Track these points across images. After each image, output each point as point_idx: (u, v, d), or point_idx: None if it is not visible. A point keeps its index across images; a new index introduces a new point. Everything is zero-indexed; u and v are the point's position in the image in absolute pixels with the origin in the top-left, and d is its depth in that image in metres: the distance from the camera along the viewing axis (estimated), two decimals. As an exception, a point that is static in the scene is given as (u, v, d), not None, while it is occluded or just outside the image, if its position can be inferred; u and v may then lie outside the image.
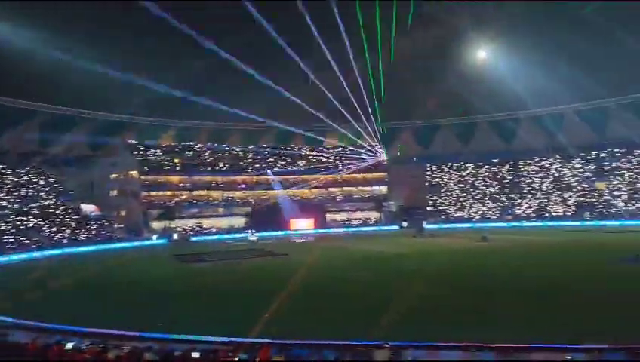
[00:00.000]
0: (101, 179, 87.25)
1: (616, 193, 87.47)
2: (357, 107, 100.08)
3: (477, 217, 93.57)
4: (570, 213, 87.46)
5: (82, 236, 70.85)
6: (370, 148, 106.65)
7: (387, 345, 13.41)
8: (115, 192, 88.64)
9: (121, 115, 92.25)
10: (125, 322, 20.23)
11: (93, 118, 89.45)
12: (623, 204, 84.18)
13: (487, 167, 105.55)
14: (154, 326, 19.46)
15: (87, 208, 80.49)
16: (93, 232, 73.21)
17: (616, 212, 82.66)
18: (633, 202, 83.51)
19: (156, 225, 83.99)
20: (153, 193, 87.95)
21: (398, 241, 62.49)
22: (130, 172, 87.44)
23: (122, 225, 79.70)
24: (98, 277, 38.84)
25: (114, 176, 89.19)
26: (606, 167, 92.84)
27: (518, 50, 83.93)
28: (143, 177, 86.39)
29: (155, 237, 77.29)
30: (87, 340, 16.03)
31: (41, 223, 69.29)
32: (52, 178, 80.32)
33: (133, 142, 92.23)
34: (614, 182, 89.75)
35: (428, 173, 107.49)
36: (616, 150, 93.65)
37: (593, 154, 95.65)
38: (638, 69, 78.98)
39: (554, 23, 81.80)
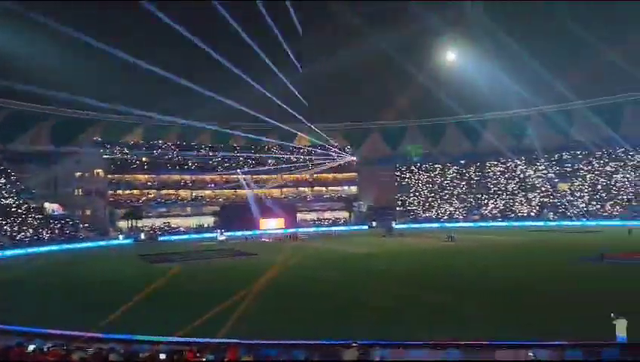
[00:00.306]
0: (65, 177, 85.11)
1: (577, 194, 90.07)
2: (326, 107, 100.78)
3: (445, 217, 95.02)
4: (534, 214, 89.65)
5: (45, 235, 68.88)
6: (340, 148, 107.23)
7: (355, 344, 13.47)
8: (79, 191, 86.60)
9: (87, 111, 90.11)
10: (88, 323, 19.75)
11: (58, 114, 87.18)
12: (584, 205, 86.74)
13: (454, 167, 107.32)
14: (119, 327, 19.09)
15: (51, 207, 78.44)
16: (57, 232, 71.27)
17: (578, 212, 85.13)
18: (594, 203, 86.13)
19: (122, 224, 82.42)
20: (120, 192, 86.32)
21: (367, 241, 62.92)
22: (96, 170, 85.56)
23: (87, 225, 77.92)
24: (60, 278, 37.85)
25: (79, 174, 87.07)
26: (568, 169, 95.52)
27: (486, 52, 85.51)
28: (109, 175, 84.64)
29: (121, 236, 75.82)
30: (49, 342, 15.62)
31: (2, 222, 67.10)
32: (13, 175, 77.83)
33: (99, 139, 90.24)
34: (576, 184, 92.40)
35: (397, 173, 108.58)
36: (578, 152, 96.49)
37: (556, 156, 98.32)
38: (602, 72, 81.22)
39: (522, 26, 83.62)
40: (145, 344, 16.16)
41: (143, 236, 77.83)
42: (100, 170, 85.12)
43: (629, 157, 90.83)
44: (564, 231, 67.53)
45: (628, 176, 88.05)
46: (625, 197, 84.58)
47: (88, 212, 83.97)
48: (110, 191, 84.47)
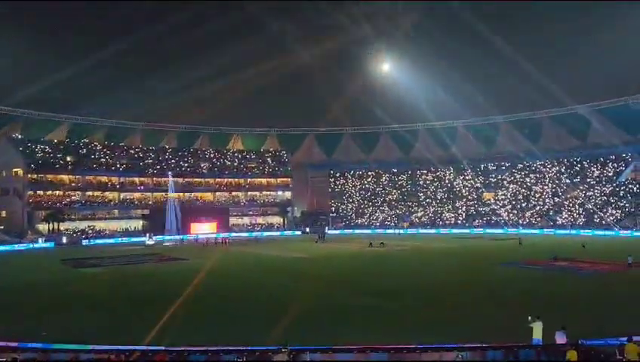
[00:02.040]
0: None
1: (500, 203, 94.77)
2: (262, 112, 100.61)
3: (377, 224, 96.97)
4: (460, 221, 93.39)
5: (-46, 238, 63.91)
6: (274, 153, 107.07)
7: (285, 349, 13.46)
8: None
9: (5, 107, 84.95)
10: (3, 332, 18.52)
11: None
12: (506, 214, 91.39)
13: (387, 175, 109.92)
14: (37, 335, 18.04)
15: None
16: (-32, 234, 66.29)
17: (501, 221, 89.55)
18: (515, 212, 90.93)
19: (43, 227, 77.82)
20: (40, 192, 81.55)
21: (299, 246, 63.03)
22: (14, 169, 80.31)
23: (2, 227, 73.06)
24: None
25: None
26: (493, 179, 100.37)
27: (419, 65, 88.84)
28: (29, 175, 79.64)
29: (41, 240, 71.45)
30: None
31: None
32: None
33: (19, 136, 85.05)
34: (500, 194, 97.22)
35: (331, 179, 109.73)
36: (502, 164, 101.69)
37: (482, 166, 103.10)
38: (527, 89, 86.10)
39: (453, 42, 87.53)
40: (63, 352, 15.35)
41: (64, 239, 73.84)
42: (18, 169, 79.97)
43: (547, 169, 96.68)
44: (487, 239, 70.66)
45: (546, 187, 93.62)
46: (542, 207, 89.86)
47: (4, 213, 78.82)
48: (30, 192, 79.63)
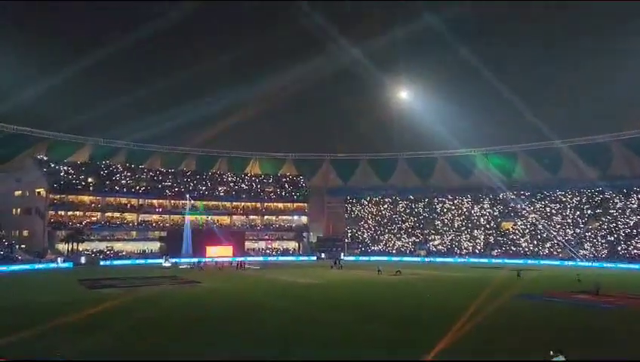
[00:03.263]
0: (3, 195, 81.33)
1: (519, 233, 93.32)
2: (279, 136, 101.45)
3: (393, 251, 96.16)
4: (478, 250, 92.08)
5: (-24, 256, 65.05)
6: (291, 177, 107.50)
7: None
8: (18, 210, 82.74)
9: (31, 128, 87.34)
10: (17, 351, 18.70)
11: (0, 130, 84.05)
12: (526, 244, 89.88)
13: (404, 202, 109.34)
14: (51, 355, 18.16)
15: (-16, 226, 74.45)
16: (-11, 252, 67.44)
17: (520, 251, 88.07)
18: (535, 242, 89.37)
19: (62, 247, 78.84)
20: (61, 213, 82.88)
21: (315, 272, 62.64)
22: (37, 189, 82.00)
23: (24, 246, 74.24)
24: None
25: (18, 193, 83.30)
26: (511, 209, 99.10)
27: (437, 93, 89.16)
28: (51, 195, 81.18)
29: (60, 260, 72.26)
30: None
31: None
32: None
33: (44, 157, 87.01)
34: (519, 223, 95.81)
35: (347, 205, 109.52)
36: (521, 193, 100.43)
37: (501, 195, 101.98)
38: (545, 118, 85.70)
39: (471, 70, 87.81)
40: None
41: (83, 260, 74.69)
42: (41, 189, 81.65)
43: (568, 199, 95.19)
44: (507, 269, 69.20)
45: (567, 218, 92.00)
46: (564, 238, 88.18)
47: (26, 233, 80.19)
48: (51, 212, 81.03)
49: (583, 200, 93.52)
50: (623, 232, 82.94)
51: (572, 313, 31.27)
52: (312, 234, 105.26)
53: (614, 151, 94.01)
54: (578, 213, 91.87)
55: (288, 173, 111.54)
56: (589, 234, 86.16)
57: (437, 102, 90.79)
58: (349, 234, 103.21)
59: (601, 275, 52.35)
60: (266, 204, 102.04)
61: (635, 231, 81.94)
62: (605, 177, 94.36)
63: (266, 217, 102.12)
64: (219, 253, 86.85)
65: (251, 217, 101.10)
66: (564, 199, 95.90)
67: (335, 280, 52.74)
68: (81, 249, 78.94)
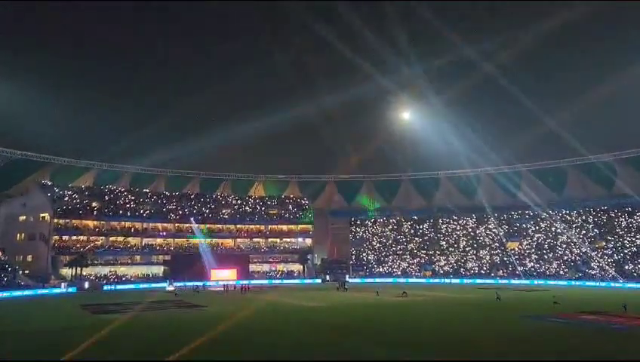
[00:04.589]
0: (7, 221, 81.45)
1: (525, 253, 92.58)
2: (283, 159, 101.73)
3: (398, 272, 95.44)
4: (484, 271, 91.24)
5: (-20, 282, 64.79)
6: (295, 199, 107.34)
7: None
8: (22, 235, 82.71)
9: (35, 153, 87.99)
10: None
11: (4, 155, 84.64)
12: (532, 264, 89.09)
13: (408, 223, 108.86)
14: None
15: (-11, 251, 74.33)
16: (-7, 278, 67.17)
17: (526, 271, 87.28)
18: (541, 262, 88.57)
19: (66, 272, 78.55)
20: (65, 237, 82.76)
21: (320, 295, 62.12)
22: (42, 214, 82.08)
23: (27, 271, 74.01)
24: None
25: (22, 218, 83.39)
26: (517, 228, 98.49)
27: (440, 114, 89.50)
28: (55, 220, 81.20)
29: (63, 285, 71.92)
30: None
31: None
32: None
33: (48, 182, 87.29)
34: (524, 243, 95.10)
35: (352, 227, 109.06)
36: (526, 212, 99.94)
37: (505, 215, 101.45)
38: (551, 138, 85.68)
39: (474, 91, 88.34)
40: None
41: (86, 285, 74.33)
42: (45, 214, 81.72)
43: (573, 219, 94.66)
44: (511, 290, 68.46)
45: (572, 237, 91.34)
46: (570, 257, 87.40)
47: (30, 258, 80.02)
48: (55, 237, 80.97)
49: (589, 220, 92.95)
50: (630, 251, 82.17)
51: (579, 334, 30.77)
52: (316, 256, 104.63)
53: (618, 170, 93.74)
54: (584, 232, 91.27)
55: (292, 195, 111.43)
56: (595, 253, 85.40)
57: (439, 122, 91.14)
58: (354, 256, 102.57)
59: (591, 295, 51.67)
60: (270, 226, 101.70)
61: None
62: (610, 196, 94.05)
63: (270, 239, 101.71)
64: (223, 276, 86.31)
65: (255, 240, 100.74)
66: (569, 218, 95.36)
67: (341, 303, 52.24)
68: (84, 273, 78.63)
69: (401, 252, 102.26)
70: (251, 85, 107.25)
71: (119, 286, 76.60)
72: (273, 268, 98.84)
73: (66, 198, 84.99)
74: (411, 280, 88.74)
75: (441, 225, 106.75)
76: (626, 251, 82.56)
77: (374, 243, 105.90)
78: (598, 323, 34.92)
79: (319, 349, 25.60)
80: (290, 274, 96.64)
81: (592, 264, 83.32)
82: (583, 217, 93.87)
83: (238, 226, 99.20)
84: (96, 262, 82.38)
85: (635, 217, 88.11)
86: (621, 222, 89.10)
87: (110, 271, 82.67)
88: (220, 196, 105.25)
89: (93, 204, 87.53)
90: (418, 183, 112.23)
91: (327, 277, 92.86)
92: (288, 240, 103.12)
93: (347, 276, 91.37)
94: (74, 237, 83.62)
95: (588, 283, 77.19)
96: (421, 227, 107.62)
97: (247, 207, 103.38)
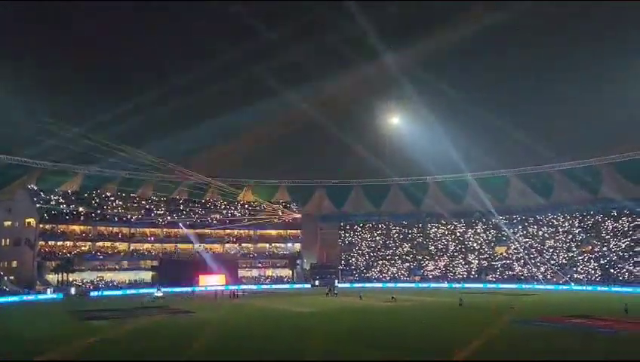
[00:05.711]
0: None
1: (513, 257, 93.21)
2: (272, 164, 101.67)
3: (387, 277, 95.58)
4: (472, 275, 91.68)
5: (-37, 288, 63.80)
6: (285, 204, 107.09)
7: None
8: (7, 241, 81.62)
9: (21, 157, 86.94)
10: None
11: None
12: (519, 268, 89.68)
13: (397, 228, 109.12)
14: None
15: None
16: (-23, 284, 66.19)
17: (514, 275, 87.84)
18: (529, 266, 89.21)
19: (52, 277, 77.62)
20: (51, 243, 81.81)
21: (309, 300, 62.01)
22: (28, 219, 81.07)
23: (12, 277, 72.99)
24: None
25: (8, 223, 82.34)
26: (505, 233, 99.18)
27: (429, 118, 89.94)
28: (41, 225, 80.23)
29: (49, 291, 71.08)
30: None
31: None
32: None
33: (34, 187, 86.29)
34: (512, 248, 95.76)
35: (341, 232, 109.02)
36: (514, 217, 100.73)
37: (493, 220, 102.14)
38: (538, 142, 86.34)
39: (461, 95, 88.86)
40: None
41: (73, 291, 73.48)
42: (31, 220, 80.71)
43: (560, 223, 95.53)
44: (500, 294, 68.80)
45: (559, 241, 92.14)
46: (557, 262, 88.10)
47: (15, 264, 78.93)
48: (41, 242, 80.00)
49: (575, 224, 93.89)
50: (616, 255, 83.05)
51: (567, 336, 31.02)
52: (305, 261, 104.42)
53: (604, 175, 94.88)
54: (570, 236, 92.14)
55: (281, 200, 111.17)
56: (582, 257, 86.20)
57: (428, 127, 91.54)
58: (343, 261, 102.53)
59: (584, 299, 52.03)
60: (259, 231, 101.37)
61: (626, 254, 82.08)
62: (596, 200, 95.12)
63: (259, 244, 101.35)
64: (212, 281, 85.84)
65: (244, 245, 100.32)
66: (555, 223, 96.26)
67: (330, 308, 52.18)
68: (71, 279, 77.77)
69: (390, 257, 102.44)
70: (239, 88, 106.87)
71: (106, 293, 75.89)
72: (262, 273, 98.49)
73: (53, 203, 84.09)
74: (400, 285, 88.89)
75: (430, 229, 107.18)
76: (612, 255, 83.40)
77: (363, 248, 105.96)
78: (584, 326, 35.30)
79: (311, 354, 25.53)
80: (279, 280, 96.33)
81: (579, 268, 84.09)
82: (570, 222, 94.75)
83: (227, 231, 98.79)
84: (82, 267, 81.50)
85: (621, 221, 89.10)
86: (607, 226, 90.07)
87: (97, 277, 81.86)
88: (209, 201, 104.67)
89: (80, 209, 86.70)
90: (407, 188, 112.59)
91: (317, 283, 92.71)
92: (277, 245, 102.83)
93: (336, 281, 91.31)
94: (60, 243, 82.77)
95: (575, 287, 77.86)
96: (410, 232, 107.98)
97: (236, 212, 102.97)
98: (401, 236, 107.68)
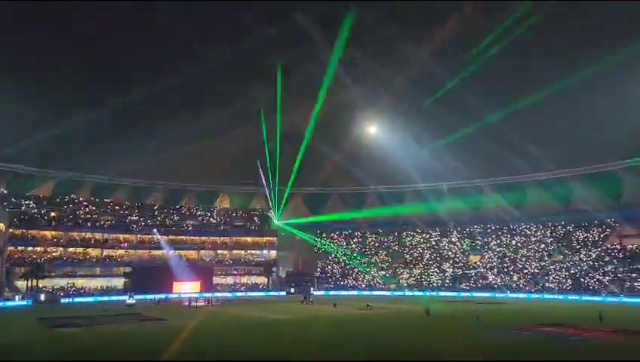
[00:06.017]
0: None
1: (487, 266, 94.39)
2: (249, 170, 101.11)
3: (363, 285, 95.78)
4: (447, 284, 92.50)
5: None
6: (261, 212, 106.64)
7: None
8: (-26, 246, 79.39)
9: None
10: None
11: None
12: (493, 277, 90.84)
13: (373, 236, 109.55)
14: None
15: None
16: (-58, 290, 64.20)
17: (488, 284, 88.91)
18: (502, 276, 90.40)
19: (21, 284, 75.75)
20: (21, 248, 79.95)
21: (285, 307, 61.75)
22: (-4, 224, 79.09)
23: (-21, 283, 71.09)
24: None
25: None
26: (479, 242, 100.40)
27: (404, 127, 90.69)
28: (11, 230, 78.38)
29: (18, 297, 69.37)
30: None
31: None
32: None
33: (4, 191, 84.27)
34: (486, 257, 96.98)
35: (317, 239, 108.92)
36: (488, 226, 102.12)
37: (468, 229, 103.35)
38: (511, 153, 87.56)
39: (439, 106, 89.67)
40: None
41: (43, 297, 71.81)
42: (1, 224, 78.68)
43: (532, 233, 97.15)
44: (473, 302, 69.48)
45: (532, 251, 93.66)
46: (530, 271, 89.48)
47: (-18, 269, 76.86)
48: (10, 248, 78.07)
49: (547, 234, 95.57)
50: (586, 264, 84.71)
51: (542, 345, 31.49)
52: (281, 268, 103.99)
53: (575, 186, 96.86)
54: (543, 246, 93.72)
55: (258, 207, 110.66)
56: (553, 267, 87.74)
57: (405, 136, 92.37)
58: (319, 269, 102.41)
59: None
60: (234, 238, 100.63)
61: (596, 263, 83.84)
62: (568, 211, 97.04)
63: (234, 251, 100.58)
64: (186, 288, 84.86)
65: (220, 252, 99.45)
66: (528, 232, 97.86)
67: (305, 315, 52.07)
68: (41, 286, 76.00)
69: (366, 264, 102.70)
70: (216, 95, 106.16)
71: (77, 299, 74.44)
72: (237, 281, 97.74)
73: (23, 208, 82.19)
74: (376, 293, 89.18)
75: (405, 238, 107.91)
76: (582, 264, 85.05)
77: (339, 256, 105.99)
78: (557, 334, 35.90)
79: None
80: (254, 287, 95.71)
81: (551, 277, 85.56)
82: (542, 231, 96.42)
83: (202, 238, 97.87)
84: (53, 273, 79.84)
85: (591, 232, 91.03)
86: (578, 236, 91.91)
87: (68, 283, 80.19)
88: (185, 207, 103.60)
89: (52, 214, 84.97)
90: (383, 196, 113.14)
91: (292, 290, 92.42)
92: (253, 252, 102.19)
93: (312, 288, 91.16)
94: (30, 248, 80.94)
95: (546, 296, 79.19)
96: (386, 240, 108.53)
97: (211, 219, 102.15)
98: (377, 244, 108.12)
